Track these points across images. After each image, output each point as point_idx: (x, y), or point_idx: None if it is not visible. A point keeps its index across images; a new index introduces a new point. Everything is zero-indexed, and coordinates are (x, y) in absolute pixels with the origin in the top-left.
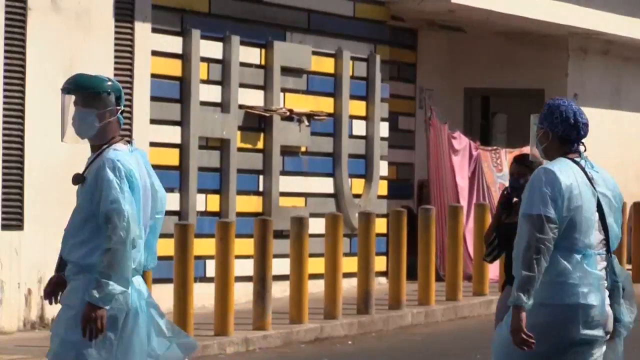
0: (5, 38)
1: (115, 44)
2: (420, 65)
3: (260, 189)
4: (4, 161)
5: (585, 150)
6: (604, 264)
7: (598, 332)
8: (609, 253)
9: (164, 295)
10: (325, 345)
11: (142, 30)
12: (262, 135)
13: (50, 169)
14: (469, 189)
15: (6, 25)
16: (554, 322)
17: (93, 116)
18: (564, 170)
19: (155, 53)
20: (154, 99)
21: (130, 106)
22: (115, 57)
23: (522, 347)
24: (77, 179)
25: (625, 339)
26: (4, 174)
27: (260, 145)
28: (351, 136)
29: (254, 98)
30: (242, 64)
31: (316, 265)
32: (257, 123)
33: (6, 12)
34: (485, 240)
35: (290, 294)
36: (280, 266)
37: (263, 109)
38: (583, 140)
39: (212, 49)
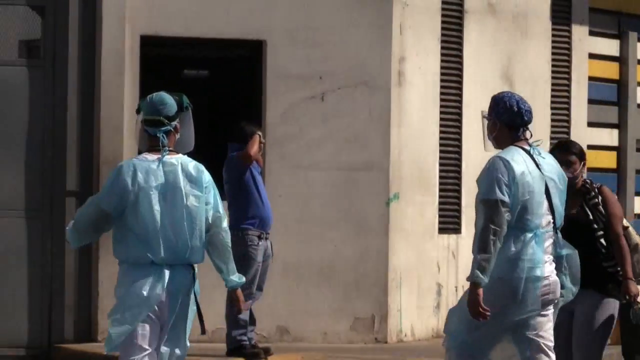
0: (442, 41)
1: (552, 47)
2: None
3: None
4: (441, 165)
5: (531, 137)
6: (551, 240)
7: (547, 299)
8: (555, 230)
9: None
10: None
11: (579, 33)
12: None
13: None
14: None
15: (443, 29)
16: (510, 293)
17: None
18: (517, 158)
19: (592, 56)
20: (591, 101)
21: (568, 109)
22: (552, 60)
23: (477, 318)
24: None
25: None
26: (441, 177)
27: None
28: None
29: None
30: None
31: None
32: None
33: (442, 15)
34: None
35: None
36: None
37: None
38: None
39: None
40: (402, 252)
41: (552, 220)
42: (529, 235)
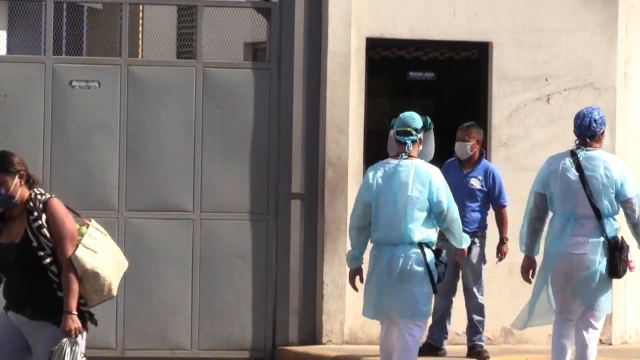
0: None
1: None
2: None
3: None
4: None
5: (586, 145)
6: (591, 226)
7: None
8: (599, 218)
9: None
10: None
11: None
12: None
13: None
14: None
15: None
16: None
17: None
18: (556, 158)
19: None
20: None
21: None
22: None
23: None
24: None
25: None
26: None
27: None
28: None
29: None
30: None
31: None
32: None
33: None
34: None
35: None
36: None
37: None
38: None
39: None
40: None
41: (592, 208)
42: (555, 219)
